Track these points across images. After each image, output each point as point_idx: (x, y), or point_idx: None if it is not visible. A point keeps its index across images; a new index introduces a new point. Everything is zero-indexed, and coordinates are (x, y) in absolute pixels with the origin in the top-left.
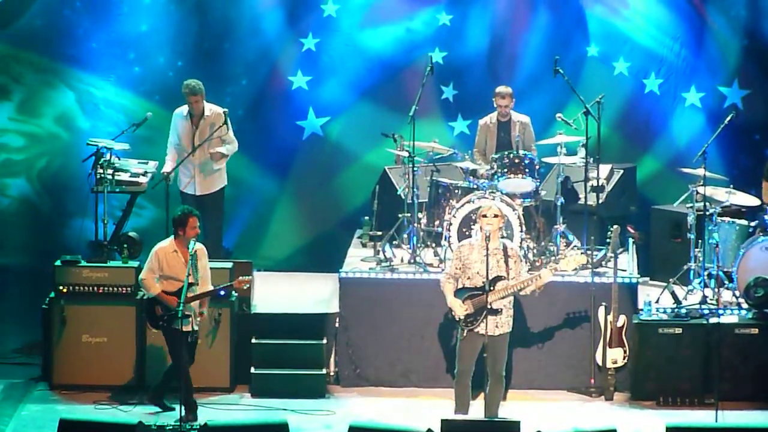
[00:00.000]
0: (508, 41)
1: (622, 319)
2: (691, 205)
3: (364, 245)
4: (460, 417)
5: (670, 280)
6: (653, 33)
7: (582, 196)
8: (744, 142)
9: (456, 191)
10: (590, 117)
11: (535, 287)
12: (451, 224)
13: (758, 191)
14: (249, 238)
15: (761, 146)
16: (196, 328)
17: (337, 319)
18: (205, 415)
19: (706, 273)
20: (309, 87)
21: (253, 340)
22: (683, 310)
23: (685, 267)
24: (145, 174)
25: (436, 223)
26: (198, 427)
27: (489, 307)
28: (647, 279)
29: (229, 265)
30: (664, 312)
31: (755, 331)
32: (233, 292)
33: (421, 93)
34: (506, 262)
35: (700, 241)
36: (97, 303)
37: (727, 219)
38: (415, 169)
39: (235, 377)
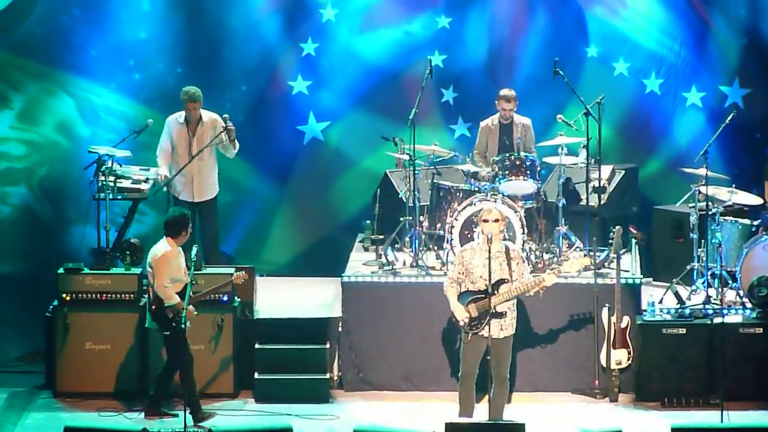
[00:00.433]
0: (507, 43)
1: (625, 320)
2: (693, 204)
3: (366, 249)
4: (464, 420)
5: (674, 280)
6: (653, 33)
7: (584, 197)
8: (745, 141)
9: (457, 194)
10: (591, 118)
11: (538, 289)
12: (453, 227)
13: (760, 190)
14: (251, 243)
15: (762, 145)
16: (189, 324)
17: (340, 324)
18: (209, 421)
19: (709, 273)
20: (309, 92)
21: (257, 346)
22: (687, 311)
23: (688, 267)
24: (146, 181)
25: (438, 226)
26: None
27: (492, 310)
28: (650, 279)
29: (231, 270)
30: (668, 312)
31: (759, 330)
32: (236, 297)
33: (421, 96)
34: (509, 264)
35: (702, 240)
36: (100, 310)
37: (729, 218)
38: (416, 172)
39: (239, 383)
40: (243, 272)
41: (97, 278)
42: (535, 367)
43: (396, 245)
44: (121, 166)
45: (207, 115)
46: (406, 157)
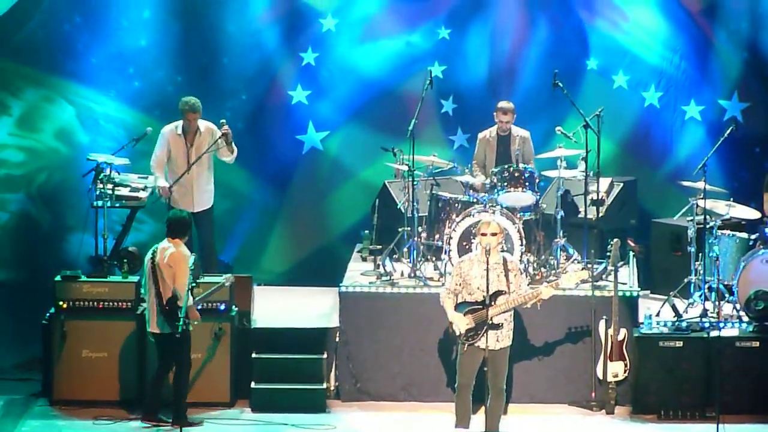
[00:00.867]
0: (507, 54)
1: (622, 333)
2: (691, 218)
3: (364, 259)
4: (460, 431)
5: (671, 293)
6: (653, 46)
7: (582, 209)
8: (744, 155)
9: (456, 205)
10: (590, 130)
11: (535, 301)
12: (451, 238)
13: (758, 204)
14: (249, 252)
15: (761, 159)
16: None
17: (338, 334)
18: (206, 430)
19: (706, 286)
20: (309, 101)
21: (254, 355)
22: (684, 324)
23: (686, 280)
24: (145, 189)
25: (436, 236)
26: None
27: (489, 321)
28: (648, 292)
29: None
30: (665, 325)
31: (756, 344)
32: (233, 306)
33: (421, 107)
34: (506, 275)
35: (700, 254)
36: (97, 318)
37: (727, 232)
38: (415, 183)
39: (236, 392)
40: (230, 275)
41: (94, 286)
42: (532, 378)
43: (394, 256)
44: (119, 173)
45: (204, 124)
46: (405, 168)
